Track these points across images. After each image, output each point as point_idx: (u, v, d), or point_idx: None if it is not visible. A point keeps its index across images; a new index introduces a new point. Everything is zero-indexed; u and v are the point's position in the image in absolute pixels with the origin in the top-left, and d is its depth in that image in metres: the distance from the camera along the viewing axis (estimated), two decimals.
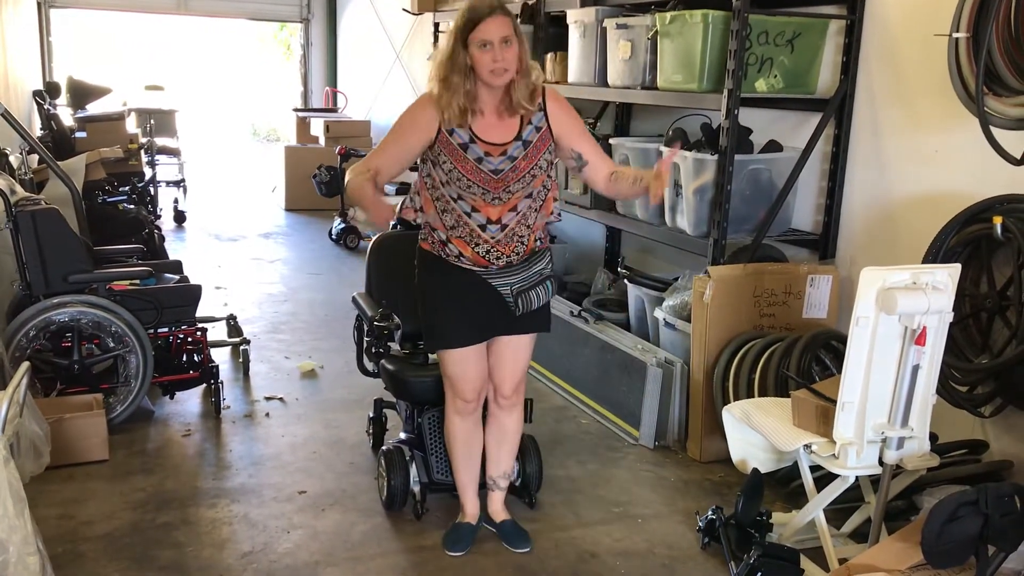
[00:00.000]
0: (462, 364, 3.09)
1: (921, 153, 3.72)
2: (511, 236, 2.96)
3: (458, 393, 3.12)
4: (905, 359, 2.72)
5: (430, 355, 3.45)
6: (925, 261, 3.33)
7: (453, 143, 2.86)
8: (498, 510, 3.31)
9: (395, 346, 3.54)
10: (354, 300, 3.68)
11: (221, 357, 5.01)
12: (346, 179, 2.86)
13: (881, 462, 2.83)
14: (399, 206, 3.13)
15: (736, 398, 3.69)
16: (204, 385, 4.45)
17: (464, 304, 3.02)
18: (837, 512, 3.27)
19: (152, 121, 9.23)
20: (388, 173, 2.91)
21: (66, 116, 8.72)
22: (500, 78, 2.78)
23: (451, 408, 3.16)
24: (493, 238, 2.94)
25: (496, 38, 2.72)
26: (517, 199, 2.94)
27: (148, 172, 8.38)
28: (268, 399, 4.57)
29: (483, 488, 3.34)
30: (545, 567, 3.14)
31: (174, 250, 7.34)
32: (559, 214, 3.12)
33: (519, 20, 5.62)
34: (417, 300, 3.15)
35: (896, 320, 2.69)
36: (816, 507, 2.97)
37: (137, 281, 4.32)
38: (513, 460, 3.34)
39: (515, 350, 3.14)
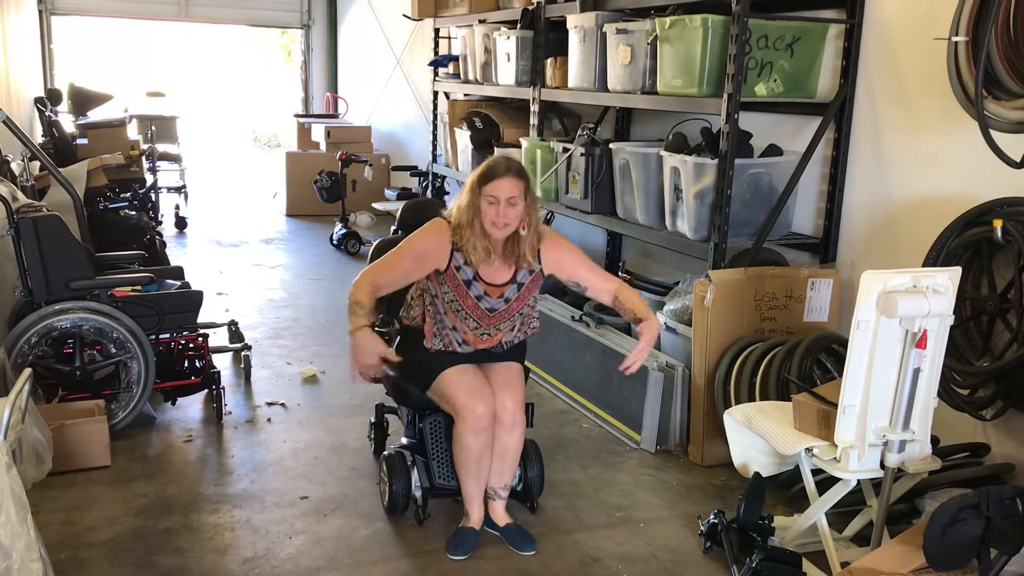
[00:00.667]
0: (461, 379, 3.18)
1: (921, 156, 3.72)
2: (491, 349, 3.30)
3: (468, 409, 3.13)
4: (906, 362, 2.72)
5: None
6: (925, 264, 3.34)
7: (459, 279, 3.15)
8: (500, 515, 3.32)
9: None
10: None
11: (223, 363, 5.01)
12: (358, 283, 3.08)
13: (883, 465, 2.83)
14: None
15: (737, 402, 3.69)
16: (206, 391, 4.46)
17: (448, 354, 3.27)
18: (839, 515, 3.27)
19: (153, 127, 9.25)
20: (389, 289, 3.17)
21: (67, 123, 8.75)
22: (499, 232, 3.06)
23: (464, 428, 3.16)
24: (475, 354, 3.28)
25: (503, 196, 3.01)
26: (503, 333, 3.26)
27: (149, 178, 8.39)
28: (270, 404, 4.58)
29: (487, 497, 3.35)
30: (548, 571, 3.14)
31: (175, 256, 7.35)
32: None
33: (519, 26, 5.65)
34: (403, 354, 3.30)
35: (897, 323, 2.69)
36: (818, 511, 2.97)
37: (139, 287, 4.33)
38: (514, 473, 3.36)
39: (506, 372, 3.28)
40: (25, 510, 2.37)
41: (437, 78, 7.36)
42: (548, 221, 6.17)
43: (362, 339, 3.03)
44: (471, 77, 6.60)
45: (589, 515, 3.54)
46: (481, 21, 6.32)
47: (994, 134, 3.12)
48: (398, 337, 3.42)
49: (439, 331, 3.25)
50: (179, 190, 9.70)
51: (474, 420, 3.13)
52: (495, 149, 5.98)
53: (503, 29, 5.91)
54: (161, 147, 9.46)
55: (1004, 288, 3.23)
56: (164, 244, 6.75)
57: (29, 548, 2.33)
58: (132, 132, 9.18)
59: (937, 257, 3.33)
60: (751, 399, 3.64)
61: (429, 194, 7.74)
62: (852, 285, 3.86)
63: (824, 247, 4.21)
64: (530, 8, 5.61)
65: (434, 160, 7.68)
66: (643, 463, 4.02)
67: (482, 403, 3.14)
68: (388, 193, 8.74)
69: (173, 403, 4.43)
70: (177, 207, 9.26)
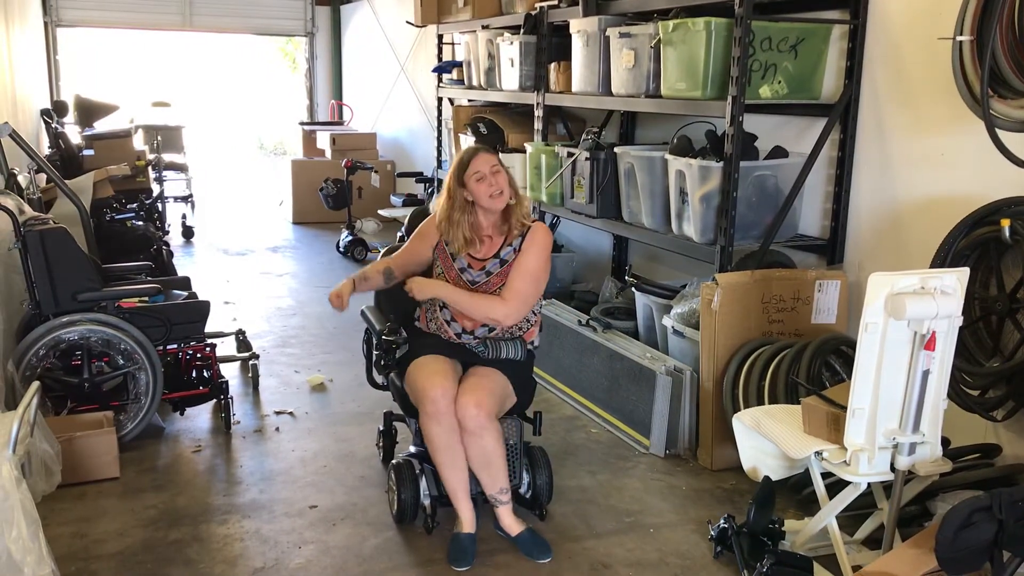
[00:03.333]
0: (427, 367, 3.23)
1: (927, 156, 3.71)
2: (483, 342, 3.36)
3: (424, 394, 3.13)
4: (915, 364, 2.71)
5: None
6: (933, 265, 3.32)
7: (446, 251, 3.42)
8: (511, 524, 3.30)
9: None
10: (363, 313, 3.69)
11: (231, 372, 5.02)
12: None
13: (893, 468, 2.81)
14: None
15: (746, 405, 3.68)
16: (214, 401, 4.46)
17: (434, 338, 3.41)
18: (850, 519, 3.25)
19: (159, 137, 9.29)
20: (402, 270, 3.49)
21: (74, 134, 8.78)
22: (498, 201, 3.29)
23: (425, 418, 3.16)
24: (467, 344, 3.36)
25: (487, 168, 3.27)
26: None
27: (156, 188, 8.42)
28: (278, 414, 4.58)
29: (489, 503, 3.34)
30: None
31: (182, 266, 7.37)
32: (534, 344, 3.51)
33: (522, 31, 5.65)
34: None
35: (905, 325, 2.68)
36: (828, 514, 2.96)
37: (146, 298, 4.34)
38: (506, 475, 3.28)
39: (480, 376, 3.28)
40: (36, 525, 2.38)
41: (441, 84, 7.36)
42: (553, 226, 6.18)
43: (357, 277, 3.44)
44: (475, 83, 6.60)
45: (599, 521, 3.53)
46: (484, 27, 6.32)
47: (1000, 133, 3.10)
48: (405, 345, 3.42)
49: (430, 313, 3.43)
50: (186, 199, 9.73)
51: (430, 404, 3.12)
52: (500, 154, 5.97)
53: (506, 35, 5.91)
54: (167, 157, 9.50)
55: (1013, 288, 3.21)
56: (171, 254, 6.75)
57: (40, 563, 2.34)
58: (138, 142, 9.21)
59: (945, 257, 3.31)
60: (760, 402, 3.63)
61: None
62: (860, 286, 3.85)
63: (831, 248, 4.20)
64: (533, 13, 5.61)
65: (439, 166, 7.69)
66: (652, 468, 4.01)
67: (439, 390, 3.12)
68: (394, 200, 8.75)
69: (181, 413, 4.44)
70: (184, 216, 9.30)
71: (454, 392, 3.16)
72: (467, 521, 3.26)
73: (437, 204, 3.45)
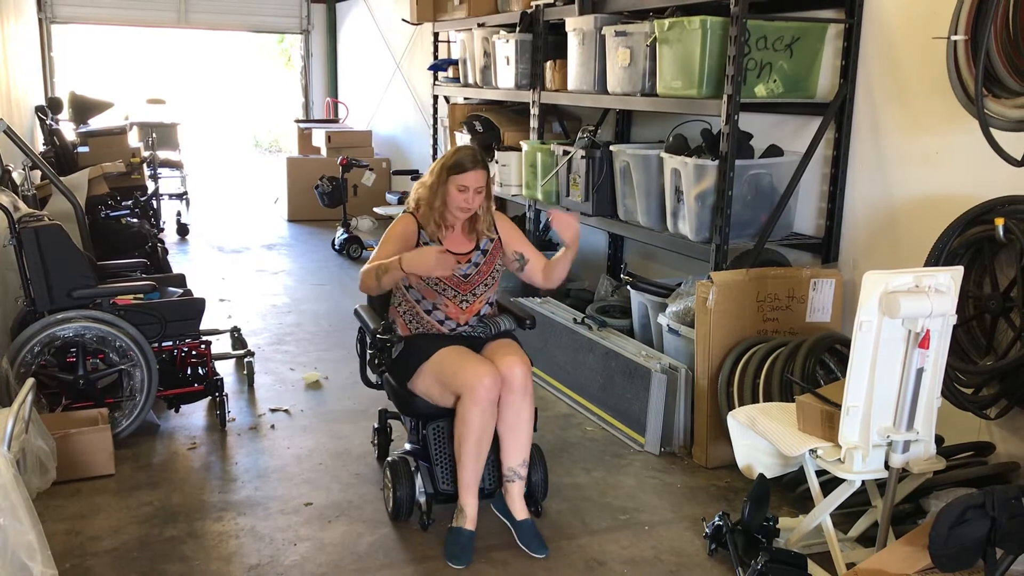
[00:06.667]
0: (462, 356, 3.26)
1: (922, 155, 3.72)
2: (475, 327, 3.47)
3: (478, 380, 3.13)
4: (909, 362, 2.72)
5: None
6: (928, 263, 3.34)
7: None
8: (520, 507, 3.31)
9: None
10: (356, 312, 3.69)
11: (226, 370, 5.02)
12: (364, 273, 3.38)
13: (887, 466, 2.82)
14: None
15: (741, 403, 3.69)
16: (209, 398, 4.45)
17: (432, 335, 3.44)
18: (844, 516, 3.26)
19: (154, 134, 9.27)
20: None
21: (68, 131, 8.75)
22: (465, 215, 3.46)
23: (471, 404, 3.14)
24: (464, 333, 3.45)
25: (473, 186, 3.39)
26: (480, 303, 3.48)
27: (151, 186, 8.40)
28: (273, 411, 4.58)
29: (491, 494, 3.35)
30: None
31: (177, 263, 7.36)
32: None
33: (518, 29, 5.66)
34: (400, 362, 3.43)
35: (900, 324, 2.69)
36: (823, 512, 2.97)
37: (141, 295, 4.33)
38: (529, 448, 3.33)
39: (506, 344, 3.41)
40: (37, 522, 2.37)
41: (437, 82, 7.36)
42: (548, 225, 6.19)
43: (412, 255, 3.22)
44: (471, 81, 6.60)
45: (594, 519, 3.53)
46: (480, 25, 6.32)
47: (995, 132, 3.12)
48: (400, 344, 3.42)
49: (416, 321, 3.47)
50: (181, 197, 9.71)
51: (483, 391, 3.13)
52: (496, 152, 5.98)
53: (502, 32, 5.91)
54: (162, 154, 9.48)
55: (1007, 287, 3.22)
56: (166, 251, 6.74)
57: (46, 563, 2.33)
58: (133, 139, 9.18)
59: (939, 256, 3.32)
60: (754, 400, 3.64)
61: None
62: (854, 285, 3.86)
63: (826, 247, 4.21)
64: (529, 11, 5.61)
65: None
66: (647, 466, 4.01)
67: (489, 375, 3.16)
68: (389, 197, 8.74)
69: (176, 411, 4.44)
70: (179, 214, 9.27)
71: (499, 376, 3.20)
72: (471, 517, 3.26)
73: (418, 184, 3.52)
